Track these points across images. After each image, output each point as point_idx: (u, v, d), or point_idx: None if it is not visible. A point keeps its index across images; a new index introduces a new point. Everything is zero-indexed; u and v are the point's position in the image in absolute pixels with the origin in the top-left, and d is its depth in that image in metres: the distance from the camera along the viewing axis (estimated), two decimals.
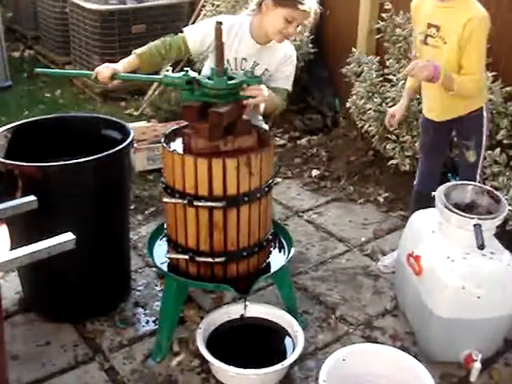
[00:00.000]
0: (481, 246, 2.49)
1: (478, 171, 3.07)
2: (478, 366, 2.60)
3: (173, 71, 2.54)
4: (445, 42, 2.83)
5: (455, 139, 3.24)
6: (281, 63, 2.85)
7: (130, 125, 3.02)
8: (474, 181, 2.97)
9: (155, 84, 5.60)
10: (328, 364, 2.39)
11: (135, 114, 5.51)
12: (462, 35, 2.75)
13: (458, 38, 2.77)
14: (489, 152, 3.44)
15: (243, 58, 2.80)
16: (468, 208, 2.71)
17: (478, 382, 2.64)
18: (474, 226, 2.51)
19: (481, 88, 2.95)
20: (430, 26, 2.88)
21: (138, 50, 2.77)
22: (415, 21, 3.05)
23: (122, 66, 2.72)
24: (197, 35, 2.77)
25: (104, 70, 2.65)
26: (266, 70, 2.82)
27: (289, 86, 2.92)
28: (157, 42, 2.78)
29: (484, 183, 3.15)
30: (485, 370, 2.68)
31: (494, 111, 3.50)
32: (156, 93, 5.56)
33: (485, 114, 2.98)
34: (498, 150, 3.45)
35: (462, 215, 2.56)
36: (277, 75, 2.87)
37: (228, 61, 2.72)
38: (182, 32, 2.80)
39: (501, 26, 3.74)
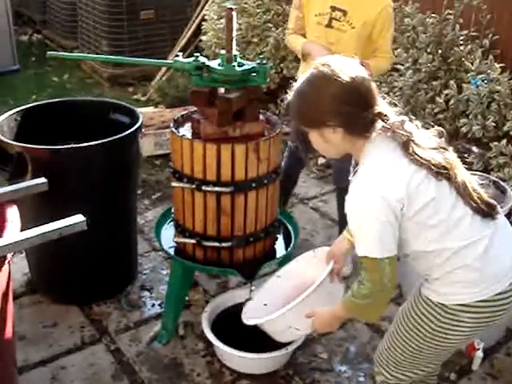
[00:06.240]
0: None
1: None
2: (480, 354, 2.63)
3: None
4: (352, 27, 2.81)
5: None
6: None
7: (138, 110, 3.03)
8: None
9: (163, 69, 5.61)
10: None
11: (142, 99, 5.52)
12: (376, 23, 2.80)
13: (371, 25, 2.81)
14: (495, 143, 3.44)
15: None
16: None
17: (480, 371, 2.67)
18: None
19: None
20: (334, 9, 2.82)
21: None
22: (310, 1, 2.92)
23: None
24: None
25: None
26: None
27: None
28: None
29: None
30: (486, 359, 2.71)
31: (501, 102, 3.48)
32: (163, 78, 5.56)
33: None
34: (504, 141, 3.45)
35: None
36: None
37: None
38: None
39: (510, 19, 3.75)
